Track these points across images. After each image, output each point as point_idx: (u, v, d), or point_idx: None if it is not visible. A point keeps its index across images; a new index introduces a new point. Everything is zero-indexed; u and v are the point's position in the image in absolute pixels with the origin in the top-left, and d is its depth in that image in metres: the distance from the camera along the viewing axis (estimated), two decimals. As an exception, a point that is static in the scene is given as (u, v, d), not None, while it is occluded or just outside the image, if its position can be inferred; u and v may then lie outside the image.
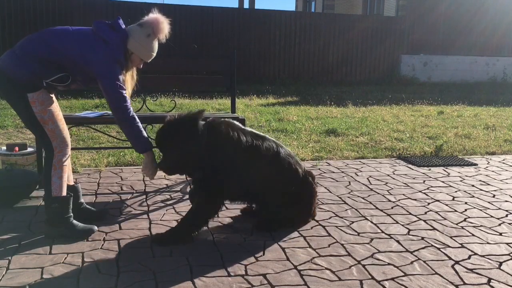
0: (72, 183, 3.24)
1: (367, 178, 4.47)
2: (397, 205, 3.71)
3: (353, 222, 3.32)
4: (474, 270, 2.63)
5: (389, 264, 2.68)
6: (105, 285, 2.35)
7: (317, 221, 3.31)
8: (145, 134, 2.99)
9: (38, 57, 2.76)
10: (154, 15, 3.05)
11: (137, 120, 2.93)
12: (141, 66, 3.13)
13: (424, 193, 4.07)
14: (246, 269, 2.57)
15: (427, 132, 6.86)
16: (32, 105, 2.77)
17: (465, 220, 3.42)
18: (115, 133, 5.92)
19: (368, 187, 4.18)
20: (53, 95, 2.91)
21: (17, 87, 2.76)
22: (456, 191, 4.14)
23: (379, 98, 11.04)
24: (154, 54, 3.08)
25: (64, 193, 2.92)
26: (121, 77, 2.90)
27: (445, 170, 4.87)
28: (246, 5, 20.48)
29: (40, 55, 2.76)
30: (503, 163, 5.29)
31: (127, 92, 2.97)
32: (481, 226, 3.31)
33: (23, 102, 2.78)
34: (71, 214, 2.94)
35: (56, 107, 2.88)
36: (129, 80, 3.07)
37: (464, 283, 2.48)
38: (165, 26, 3.02)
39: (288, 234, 3.06)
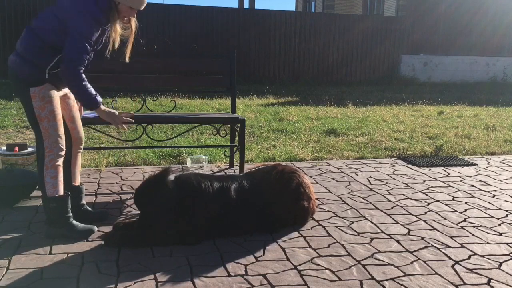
0: (77, 183, 3.23)
1: (367, 178, 4.47)
2: (397, 205, 3.71)
3: (353, 222, 3.32)
4: (474, 270, 2.63)
5: (389, 264, 2.68)
6: (105, 285, 2.35)
7: (317, 221, 3.31)
8: (93, 91, 2.83)
9: (33, 45, 2.77)
10: None
11: (85, 78, 2.77)
12: (134, 15, 2.95)
13: (424, 193, 4.07)
14: (246, 269, 2.57)
15: (427, 132, 6.86)
16: (33, 99, 2.78)
17: (465, 220, 3.42)
18: (115, 133, 5.92)
19: (368, 187, 4.18)
20: (57, 95, 2.86)
21: (22, 82, 2.79)
22: (456, 191, 4.14)
23: (379, 98, 11.04)
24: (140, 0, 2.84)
25: (61, 192, 2.87)
26: (94, 35, 2.75)
27: (445, 170, 4.87)
28: (246, 5, 20.52)
29: (34, 42, 2.76)
30: (503, 163, 5.29)
31: (115, 43, 2.90)
32: (481, 226, 3.31)
33: (26, 97, 2.80)
34: (70, 214, 2.92)
35: (56, 107, 2.85)
36: (117, 32, 2.89)
37: (464, 283, 2.48)
38: None
39: (288, 234, 3.06)
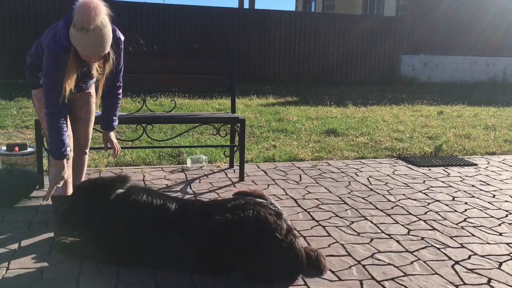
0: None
1: (367, 178, 4.47)
2: (397, 205, 3.71)
3: (353, 222, 3.32)
4: (474, 270, 2.63)
5: (389, 264, 2.68)
6: (105, 285, 2.35)
7: (317, 221, 3.31)
8: (65, 143, 2.71)
9: (33, 54, 2.88)
10: (81, 0, 2.50)
11: (60, 125, 2.67)
12: (94, 61, 2.73)
13: (424, 193, 4.07)
14: (246, 269, 2.56)
15: (427, 132, 6.86)
16: (34, 100, 2.97)
17: (465, 220, 3.42)
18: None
19: (368, 187, 4.18)
20: None
21: (29, 84, 2.97)
22: (456, 191, 4.14)
23: (379, 98, 11.04)
24: (88, 47, 2.53)
25: (63, 193, 2.89)
26: (56, 72, 2.60)
27: (445, 170, 4.87)
28: (246, 5, 20.52)
29: (33, 52, 2.88)
30: (503, 163, 5.29)
31: (68, 86, 2.65)
32: (481, 226, 3.31)
33: (31, 98, 3.00)
34: None
35: None
36: (72, 76, 2.66)
37: (464, 283, 2.48)
38: (87, 13, 2.44)
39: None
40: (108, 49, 2.64)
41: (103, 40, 2.55)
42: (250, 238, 2.38)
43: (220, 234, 2.41)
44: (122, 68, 3.06)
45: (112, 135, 3.23)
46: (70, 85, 2.67)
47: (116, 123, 3.24)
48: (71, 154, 2.84)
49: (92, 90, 3.13)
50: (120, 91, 3.16)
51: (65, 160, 2.73)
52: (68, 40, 2.56)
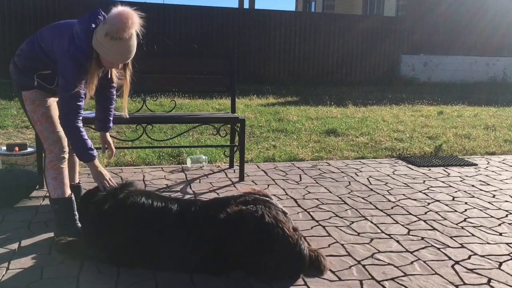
0: (75, 182, 3.25)
1: (367, 178, 4.47)
2: (397, 205, 3.71)
3: (353, 222, 3.32)
4: (474, 270, 2.63)
5: (389, 264, 2.68)
6: (105, 285, 2.35)
7: (317, 221, 3.31)
8: (89, 144, 2.71)
9: (26, 55, 2.80)
10: (116, 10, 2.56)
11: (81, 129, 2.68)
12: (117, 68, 2.78)
13: (424, 193, 4.07)
14: (246, 269, 2.56)
15: (427, 132, 6.86)
16: (25, 102, 2.84)
17: (465, 220, 3.42)
18: (115, 133, 5.91)
19: (368, 187, 4.18)
20: (50, 98, 2.86)
21: (16, 85, 2.87)
22: (456, 191, 4.14)
23: (379, 98, 11.04)
24: (121, 55, 2.61)
25: (62, 194, 2.84)
26: (77, 76, 2.60)
27: (445, 170, 4.87)
28: (246, 5, 20.53)
29: (27, 52, 2.79)
30: (503, 163, 5.29)
31: (89, 92, 2.68)
32: (481, 226, 3.31)
33: (21, 100, 2.87)
34: (75, 215, 2.88)
35: (49, 109, 2.82)
36: (94, 82, 2.68)
37: (464, 283, 2.48)
38: (124, 23, 2.51)
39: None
40: (131, 57, 2.71)
41: (133, 49, 2.63)
42: (262, 231, 2.40)
43: (232, 226, 2.43)
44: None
45: (108, 136, 3.22)
46: (91, 91, 2.69)
47: (111, 124, 3.22)
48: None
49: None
50: (114, 91, 3.13)
51: (96, 160, 2.75)
52: (90, 46, 2.58)
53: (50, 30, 2.75)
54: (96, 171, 2.77)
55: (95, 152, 2.76)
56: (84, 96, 2.68)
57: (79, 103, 2.65)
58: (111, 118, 3.20)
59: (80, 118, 2.69)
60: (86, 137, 2.72)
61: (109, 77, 2.93)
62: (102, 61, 2.65)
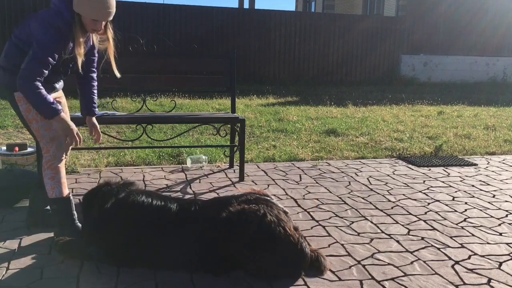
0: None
1: (367, 178, 4.47)
2: (397, 205, 3.71)
3: (353, 222, 3.32)
4: (474, 270, 2.63)
5: (389, 264, 2.68)
6: (105, 285, 2.35)
7: (317, 221, 3.31)
8: (51, 99, 2.66)
9: (10, 54, 2.75)
10: None
11: (41, 87, 2.61)
12: (101, 27, 2.72)
13: (424, 193, 4.07)
14: (246, 269, 2.56)
15: (427, 132, 6.86)
16: (18, 103, 2.80)
17: (465, 220, 3.42)
18: (115, 133, 5.92)
19: (368, 187, 4.18)
20: None
21: (6, 89, 2.81)
22: (456, 191, 4.14)
23: (379, 98, 11.04)
24: (104, 9, 2.61)
25: (59, 194, 2.82)
26: (55, 44, 2.60)
27: (445, 170, 4.87)
28: (246, 5, 20.53)
29: (11, 50, 2.74)
30: (503, 163, 5.29)
31: (79, 56, 2.70)
32: (481, 226, 3.31)
33: (13, 102, 2.83)
34: (74, 215, 2.88)
35: None
36: (81, 46, 2.68)
37: (464, 283, 2.48)
38: None
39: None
40: (113, 14, 2.72)
41: (113, 2, 2.66)
42: (264, 229, 2.41)
43: (234, 224, 2.43)
44: (97, 55, 3.04)
45: (94, 119, 3.14)
46: (81, 55, 2.71)
47: (96, 107, 3.18)
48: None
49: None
50: (95, 76, 3.09)
51: (62, 113, 2.69)
52: (70, 10, 2.61)
53: (23, 22, 2.76)
54: (64, 125, 2.70)
55: (59, 106, 2.70)
56: (51, 66, 2.63)
57: (44, 70, 2.61)
58: (95, 102, 3.16)
59: (40, 83, 2.62)
60: (46, 94, 2.64)
61: (90, 43, 2.89)
62: (85, 24, 2.65)
